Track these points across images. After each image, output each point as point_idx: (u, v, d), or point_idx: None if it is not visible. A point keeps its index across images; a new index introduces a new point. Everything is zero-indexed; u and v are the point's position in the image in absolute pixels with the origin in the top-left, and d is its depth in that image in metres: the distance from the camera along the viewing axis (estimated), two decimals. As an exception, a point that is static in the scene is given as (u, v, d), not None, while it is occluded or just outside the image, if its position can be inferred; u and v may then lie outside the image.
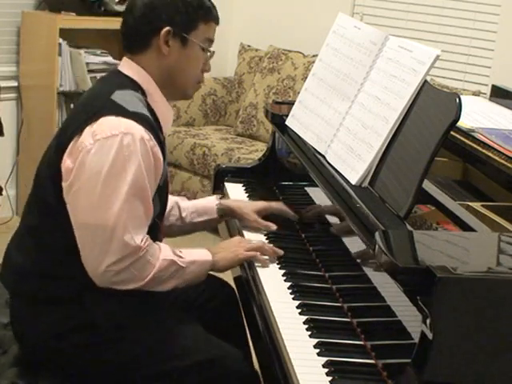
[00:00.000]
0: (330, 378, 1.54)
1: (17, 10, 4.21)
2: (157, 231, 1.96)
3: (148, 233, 1.86)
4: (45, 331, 1.86)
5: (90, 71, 4.18)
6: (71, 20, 4.12)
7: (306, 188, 2.41)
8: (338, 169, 1.98)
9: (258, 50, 5.01)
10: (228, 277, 2.23)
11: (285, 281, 1.95)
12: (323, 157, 2.09)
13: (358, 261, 1.84)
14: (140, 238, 1.81)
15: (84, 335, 1.85)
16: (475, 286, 1.36)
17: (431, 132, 1.71)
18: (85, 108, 1.88)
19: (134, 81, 1.91)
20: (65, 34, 4.08)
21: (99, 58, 4.25)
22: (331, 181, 1.99)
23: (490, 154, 2.01)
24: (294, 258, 2.07)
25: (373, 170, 1.88)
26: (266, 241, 2.17)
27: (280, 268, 2.02)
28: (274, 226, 2.23)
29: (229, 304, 2.23)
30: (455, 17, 4.37)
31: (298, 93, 2.38)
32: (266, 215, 2.27)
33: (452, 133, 2.04)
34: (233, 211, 2.28)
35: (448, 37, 4.38)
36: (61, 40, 4.09)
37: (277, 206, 2.31)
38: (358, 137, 1.96)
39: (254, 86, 4.84)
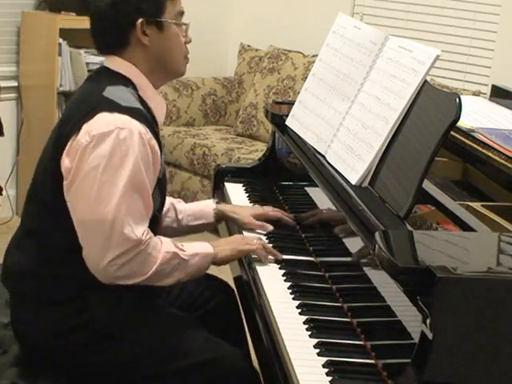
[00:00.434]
0: (329, 378, 1.54)
1: (17, 10, 4.21)
2: (157, 225, 1.97)
3: (148, 226, 1.86)
4: (45, 330, 1.86)
5: (89, 71, 4.17)
6: (71, 20, 4.12)
7: (305, 188, 2.40)
8: (338, 169, 1.98)
9: (258, 50, 5.00)
10: (228, 276, 2.23)
11: (285, 281, 1.95)
12: (323, 157, 2.09)
13: (358, 261, 1.84)
14: (141, 231, 1.80)
15: (84, 335, 1.85)
16: (475, 286, 1.36)
17: (431, 132, 1.71)
18: (79, 107, 1.87)
19: (124, 76, 1.90)
20: (65, 34, 4.08)
21: (99, 58, 4.24)
22: (331, 181, 1.99)
23: (490, 154, 2.01)
24: (294, 258, 2.07)
25: (373, 170, 1.88)
26: (266, 241, 2.16)
27: (280, 268, 2.02)
28: (270, 227, 2.23)
29: (228, 304, 2.23)
30: (455, 17, 4.36)
31: (298, 93, 2.38)
32: (264, 220, 2.27)
33: (452, 133, 2.04)
34: (228, 217, 2.29)
35: (448, 37, 4.38)
36: (61, 40, 4.09)
37: (274, 213, 2.29)
38: (358, 137, 1.96)
39: (254, 86, 4.84)
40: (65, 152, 1.81)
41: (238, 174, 2.66)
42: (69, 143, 1.81)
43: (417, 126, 1.80)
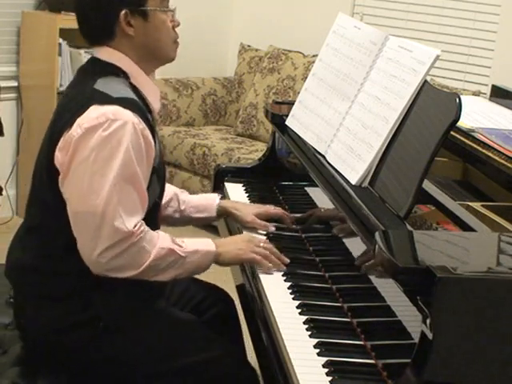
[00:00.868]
0: (330, 378, 1.54)
1: (17, 10, 4.21)
2: (157, 212, 1.95)
3: (149, 214, 1.85)
4: (46, 326, 1.87)
5: (89, 71, 4.18)
6: (71, 20, 4.06)
7: (305, 188, 2.40)
8: (338, 169, 1.98)
9: (258, 50, 5.01)
10: (228, 275, 2.23)
11: (285, 281, 1.95)
12: (323, 157, 2.09)
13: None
14: (132, 223, 1.78)
15: (85, 331, 1.85)
16: (475, 286, 1.36)
17: (431, 132, 1.71)
18: (70, 103, 1.86)
19: (114, 65, 1.89)
20: (65, 34, 4.08)
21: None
22: (331, 181, 1.99)
23: (490, 154, 2.01)
24: (294, 258, 2.07)
25: (373, 170, 1.88)
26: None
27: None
28: (272, 228, 2.22)
29: (227, 314, 2.23)
30: (455, 17, 4.37)
31: (298, 93, 2.38)
32: (265, 219, 2.25)
33: (452, 133, 2.04)
34: (231, 214, 2.27)
35: (448, 37, 4.38)
36: (61, 40, 4.09)
37: (275, 211, 2.28)
38: (358, 137, 1.96)
39: (254, 86, 4.84)
40: (57, 147, 1.81)
41: (238, 173, 2.66)
42: (62, 139, 1.80)
43: (417, 126, 1.80)
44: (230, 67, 5.27)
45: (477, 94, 4.07)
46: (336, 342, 1.66)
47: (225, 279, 2.32)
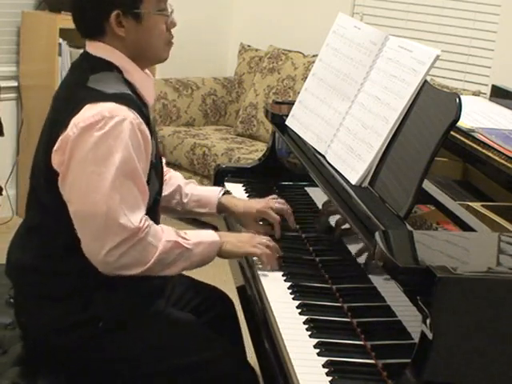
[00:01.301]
0: (329, 378, 1.54)
1: (17, 10, 4.21)
2: (157, 208, 1.94)
3: (149, 210, 1.84)
4: (46, 326, 1.87)
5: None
6: (71, 20, 4.10)
7: (305, 188, 2.40)
8: (338, 169, 1.98)
9: (258, 50, 5.01)
10: (226, 285, 2.23)
11: (285, 281, 1.95)
12: (323, 157, 2.09)
13: (358, 261, 1.84)
14: (137, 218, 1.78)
15: (85, 331, 1.85)
16: (475, 286, 1.36)
17: (431, 132, 1.71)
18: (65, 103, 1.84)
19: (106, 60, 1.86)
20: (65, 34, 4.08)
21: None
22: (331, 181, 1.99)
23: (490, 154, 2.01)
24: (294, 258, 2.07)
25: (373, 170, 1.88)
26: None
27: (280, 268, 2.02)
28: (276, 233, 2.16)
29: (227, 315, 2.23)
30: (455, 17, 4.37)
31: (298, 93, 2.38)
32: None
33: (452, 133, 2.04)
34: (232, 213, 2.24)
35: (448, 37, 4.39)
36: (61, 40, 4.09)
37: (280, 207, 2.19)
38: (358, 137, 1.96)
39: (254, 86, 4.84)
40: (54, 150, 1.79)
41: (238, 173, 2.66)
42: (58, 139, 1.78)
43: (417, 126, 1.80)
44: (230, 67, 5.27)
45: (477, 94, 4.07)
46: (336, 342, 1.66)
47: (225, 279, 2.33)
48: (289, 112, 2.37)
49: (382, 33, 2.06)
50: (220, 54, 5.34)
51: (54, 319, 1.86)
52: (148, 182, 1.85)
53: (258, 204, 2.21)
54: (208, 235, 1.93)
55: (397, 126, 1.85)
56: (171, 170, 2.29)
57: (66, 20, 4.09)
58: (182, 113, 4.93)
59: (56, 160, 1.80)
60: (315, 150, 2.14)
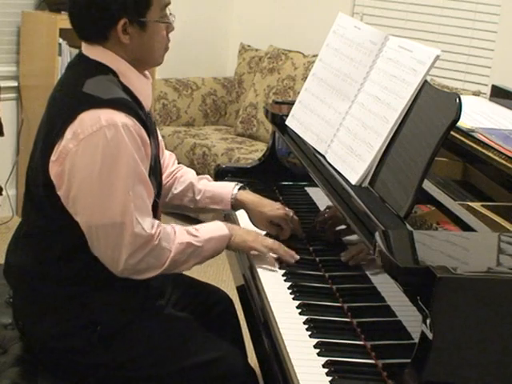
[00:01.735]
0: (329, 378, 1.54)
1: (17, 10, 4.21)
2: (156, 210, 1.94)
3: None
4: (44, 330, 1.86)
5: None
6: (71, 20, 4.11)
7: (305, 188, 2.41)
8: (338, 169, 1.98)
9: (258, 49, 5.01)
10: (228, 276, 2.23)
11: (285, 281, 1.95)
12: (323, 157, 2.09)
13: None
14: (149, 224, 1.79)
15: (84, 336, 1.85)
16: (475, 286, 1.36)
17: (431, 132, 1.71)
18: (60, 108, 1.83)
19: (102, 63, 1.84)
20: (65, 33, 4.08)
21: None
22: (331, 181, 1.99)
23: (490, 154, 2.01)
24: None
25: (373, 170, 1.88)
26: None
27: (280, 268, 2.02)
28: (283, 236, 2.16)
29: (227, 315, 2.23)
30: (455, 17, 4.37)
31: (298, 93, 2.38)
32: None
33: (452, 133, 2.04)
34: (247, 210, 2.21)
35: (448, 37, 4.39)
36: (61, 40, 4.09)
37: (292, 226, 2.17)
38: (358, 137, 1.96)
39: (254, 86, 4.84)
40: (52, 158, 1.78)
41: (238, 173, 2.66)
42: (55, 148, 1.77)
43: (417, 126, 1.80)
44: (229, 67, 5.27)
45: (477, 93, 4.07)
46: (336, 342, 1.66)
47: (225, 279, 2.33)
48: (289, 112, 2.37)
49: (381, 33, 2.05)
50: (220, 54, 5.34)
51: (52, 324, 1.85)
52: None
53: (277, 209, 2.17)
54: (218, 229, 1.95)
55: (397, 126, 1.85)
56: (183, 166, 2.28)
57: (65, 20, 4.04)
58: (182, 113, 4.93)
59: (54, 170, 1.78)
60: (315, 149, 2.14)
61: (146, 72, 1.96)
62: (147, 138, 1.82)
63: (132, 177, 1.76)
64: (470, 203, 1.84)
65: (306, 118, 2.26)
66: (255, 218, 2.20)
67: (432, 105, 1.78)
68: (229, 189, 2.22)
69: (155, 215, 1.93)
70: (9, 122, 4.18)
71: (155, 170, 1.92)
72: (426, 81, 1.83)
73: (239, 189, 2.22)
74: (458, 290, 1.35)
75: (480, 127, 2.18)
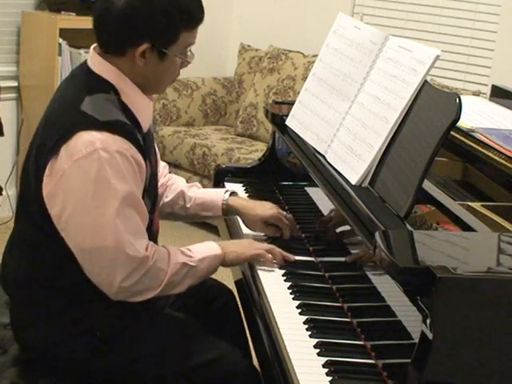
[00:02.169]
0: (329, 378, 1.54)
1: (17, 10, 4.21)
2: (151, 227, 1.93)
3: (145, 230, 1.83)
4: (43, 338, 1.86)
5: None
6: (71, 20, 4.12)
7: (305, 188, 2.41)
8: (338, 169, 1.98)
9: (258, 49, 5.01)
10: (228, 275, 2.23)
11: (285, 281, 1.95)
12: (323, 157, 2.09)
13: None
14: (143, 246, 1.78)
15: (82, 342, 1.84)
16: (475, 286, 1.36)
17: (431, 132, 1.71)
18: (56, 124, 1.80)
19: (105, 80, 1.82)
20: (65, 33, 4.08)
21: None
22: (331, 181, 1.99)
23: (490, 154, 2.01)
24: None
25: (373, 170, 1.88)
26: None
27: (280, 268, 2.02)
28: (285, 235, 2.17)
29: (229, 308, 2.22)
30: (455, 17, 4.37)
31: (298, 93, 2.38)
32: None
33: (452, 133, 2.04)
34: (240, 214, 2.23)
35: (448, 37, 4.38)
36: (61, 40, 4.09)
37: (287, 226, 2.18)
38: (358, 137, 1.96)
39: (254, 86, 4.84)
40: (45, 176, 1.76)
41: (237, 173, 2.66)
42: (48, 165, 1.75)
43: (417, 126, 1.80)
44: (229, 67, 5.27)
45: (477, 93, 4.07)
46: (336, 342, 1.66)
47: (224, 278, 2.32)
48: (289, 112, 2.37)
49: (381, 33, 2.06)
50: (220, 54, 5.34)
51: (50, 332, 1.85)
52: None
53: (269, 209, 2.18)
54: (211, 249, 1.94)
55: (397, 125, 1.85)
56: (173, 175, 2.29)
57: (65, 20, 4.10)
58: (182, 113, 4.93)
59: (47, 190, 1.76)
60: (315, 149, 2.14)
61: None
62: (143, 162, 1.80)
63: (124, 200, 1.74)
64: (469, 203, 1.84)
65: (306, 117, 2.26)
66: (249, 221, 2.20)
67: (432, 105, 1.78)
68: (220, 195, 2.23)
69: (151, 232, 1.91)
70: (9, 122, 4.18)
71: (149, 191, 1.89)
72: (426, 81, 1.83)
73: (230, 194, 2.23)
74: (458, 290, 1.35)
75: (480, 127, 2.18)
